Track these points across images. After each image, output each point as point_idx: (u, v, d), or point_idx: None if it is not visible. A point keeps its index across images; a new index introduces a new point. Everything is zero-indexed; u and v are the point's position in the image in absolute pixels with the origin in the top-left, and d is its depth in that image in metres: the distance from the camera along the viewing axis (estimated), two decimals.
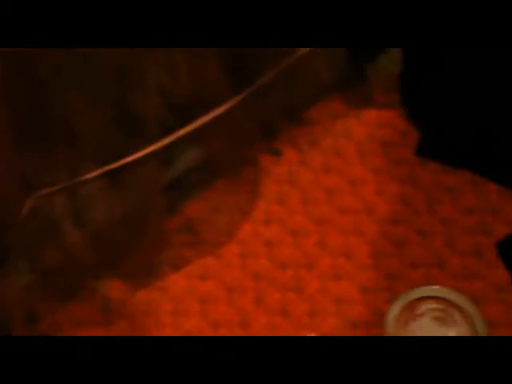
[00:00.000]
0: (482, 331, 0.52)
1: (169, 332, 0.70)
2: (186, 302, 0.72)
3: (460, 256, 0.74)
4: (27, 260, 0.72)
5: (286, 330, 0.70)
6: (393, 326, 0.53)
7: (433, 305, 0.54)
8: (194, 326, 0.71)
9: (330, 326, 0.71)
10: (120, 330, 0.70)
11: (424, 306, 0.54)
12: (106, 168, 0.73)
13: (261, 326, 0.71)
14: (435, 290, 0.54)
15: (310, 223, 0.76)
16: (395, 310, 0.54)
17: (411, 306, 0.54)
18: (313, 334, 0.70)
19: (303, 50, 0.76)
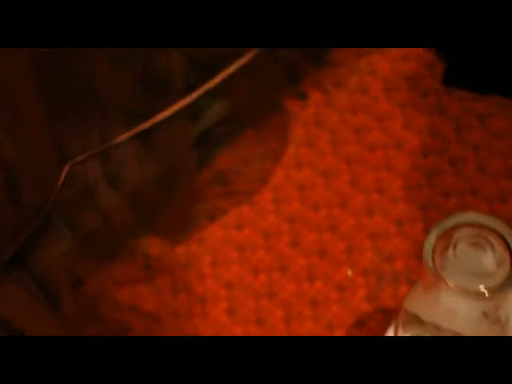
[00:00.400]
0: None
1: (210, 283, 0.68)
2: (224, 252, 0.69)
3: (493, 180, 0.70)
4: (67, 226, 0.70)
5: (324, 269, 0.68)
6: (430, 255, 0.49)
7: (468, 231, 0.50)
8: (234, 274, 0.68)
9: (368, 260, 0.68)
10: (162, 285, 0.68)
11: (459, 233, 0.50)
12: (136, 129, 0.70)
13: (299, 268, 0.68)
14: (470, 216, 0.50)
15: (340, 163, 0.73)
16: (431, 239, 0.50)
17: (447, 234, 0.50)
18: (351, 272, 0.67)
19: None
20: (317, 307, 0.66)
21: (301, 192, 0.72)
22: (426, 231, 0.55)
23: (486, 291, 0.48)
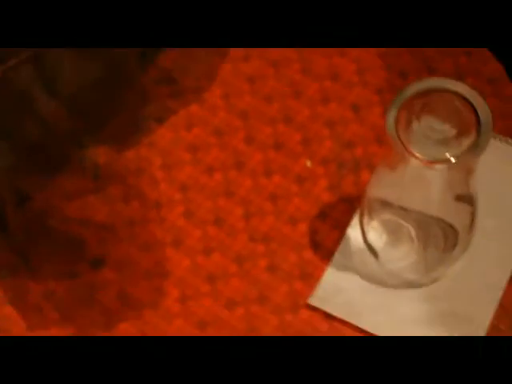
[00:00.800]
0: (486, 122, 0.44)
1: (163, 187, 0.63)
2: (176, 154, 0.64)
3: (450, 58, 0.65)
4: (6, 140, 0.64)
5: (281, 162, 0.63)
6: (394, 128, 0.44)
7: (431, 98, 0.45)
8: (187, 175, 0.64)
9: (326, 150, 0.63)
10: (113, 193, 0.63)
11: (422, 102, 0.45)
12: None
13: (256, 164, 0.63)
14: (430, 81, 0.45)
15: (291, 52, 0.68)
16: (393, 111, 0.45)
17: (409, 105, 0.46)
18: (309, 162, 0.62)
19: None
20: (277, 202, 0.62)
21: (251, 85, 0.66)
22: (384, 115, 0.50)
23: (452, 158, 0.44)
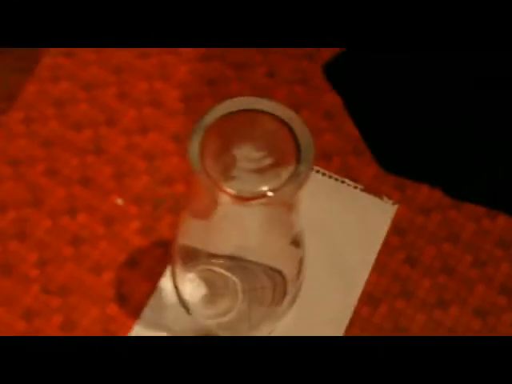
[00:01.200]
0: (306, 147, 0.35)
1: None
2: None
3: (285, 85, 0.57)
4: None
5: (88, 199, 0.52)
6: (198, 159, 0.35)
7: (242, 122, 0.36)
8: None
9: (141, 186, 0.53)
10: None
11: (232, 127, 0.36)
12: None
13: (58, 201, 0.52)
14: (241, 101, 0.36)
15: (107, 73, 0.57)
16: (195, 142, 0.35)
17: (217, 132, 0.36)
18: (121, 200, 0.52)
19: None
20: (79, 246, 0.51)
21: (58, 109, 0.56)
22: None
23: (269, 192, 0.34)
